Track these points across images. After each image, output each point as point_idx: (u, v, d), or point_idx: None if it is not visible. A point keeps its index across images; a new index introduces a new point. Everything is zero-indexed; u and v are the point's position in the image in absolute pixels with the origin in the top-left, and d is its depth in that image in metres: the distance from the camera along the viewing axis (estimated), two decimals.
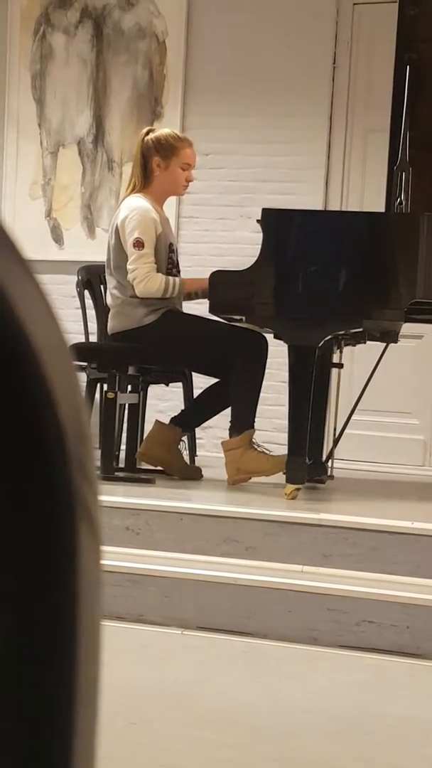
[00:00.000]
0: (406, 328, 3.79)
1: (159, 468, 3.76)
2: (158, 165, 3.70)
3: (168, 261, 3.71)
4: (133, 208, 3.64)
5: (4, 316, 0.35)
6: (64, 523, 0.33)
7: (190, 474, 3.77)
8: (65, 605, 0.34)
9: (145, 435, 3.84)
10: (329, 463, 3.90)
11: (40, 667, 0.33)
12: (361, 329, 3.43)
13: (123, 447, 3.88)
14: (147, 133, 3.76)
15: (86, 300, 4.22)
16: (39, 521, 0.33)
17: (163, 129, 3.88)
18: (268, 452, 3.55)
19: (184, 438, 3.88)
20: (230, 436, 3.58)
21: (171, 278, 3.63)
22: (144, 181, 3.71)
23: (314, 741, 2.01)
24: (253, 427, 3.57)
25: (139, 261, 3.60)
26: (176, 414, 3.87)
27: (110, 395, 3.59)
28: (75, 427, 0.35)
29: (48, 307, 0.40)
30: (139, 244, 3.59)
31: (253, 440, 3.56)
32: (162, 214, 3.75)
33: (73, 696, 0.34)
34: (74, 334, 4.07)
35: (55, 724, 0.34)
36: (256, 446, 3.55)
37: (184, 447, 3.91)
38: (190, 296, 3.68)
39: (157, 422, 3.77)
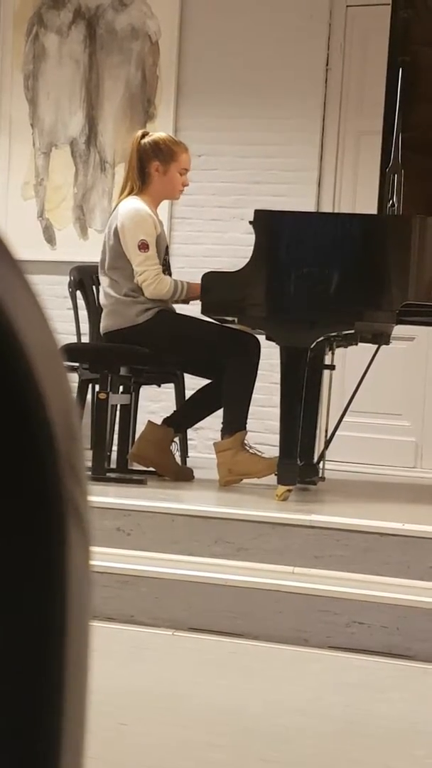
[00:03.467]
0: (398, 330, 3.80)
1: (151, 469, 3.75)
2: (157, 169, 3.70)
3: (163, 263, 3.73)
4: (134, 210, 3.64)
5: None
6: (53, 523, 0.33)
7: (182, 475, 3.77)
8: (54, 605, 0.34)
9: (137, 436, 3.84)
10: (321, 465, 3.90)
11: (29, 668, 0.33)
12: (353, 331, 3.43)
13: (114, 448, 3.87)
14: (143, 136, 3.76)
15: (78, 300, 4.21)
16: (28, 521, 0.33)
17: (159, 132, 3.88)
18: (260, 454, 3.55)
19: (176, 439, 3.88)
20: (222, 437, 3.58)
21: (179, 281, 3.65)
22: (141, 184, 3.71)
23: (305, 742, 2.01)
24: (245, 428, 3.57)
25: (146, 263, 3.61)
26: (168, 415, 3.87)
27: (102, 396, 3.59)
28: (65, 427, 0.35)
29: (39, 308, 0.40)
30: (144, 246, 3.60)
31: (245, 441, 3.56)
32: (157, 216, 3.76)
33: (61, 696, 0.34)
34: (66, 335, 4.06)
35: (43, 724, 0.34)
36: (248, 447, 3.55)
37: (176, 448, 3.91)
38: (186, 301, 3.69)
39: (150, 423, 3.77)
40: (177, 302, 3.71)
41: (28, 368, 0.35)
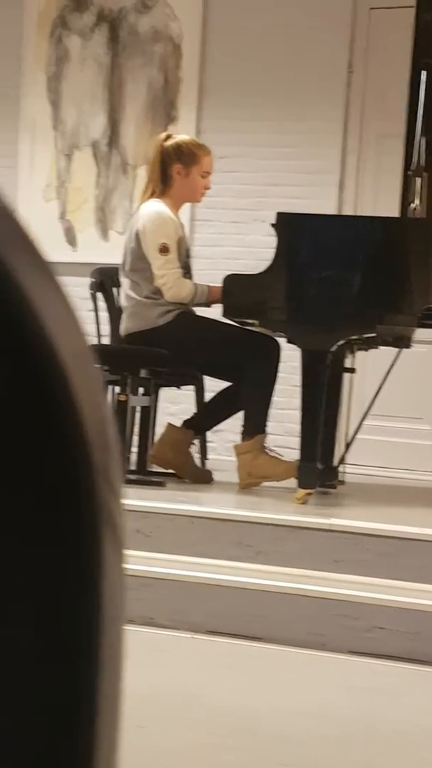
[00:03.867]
0: (420, 333, 3.78)
1: (170, 471, 3.76)
2: (179, 172, 3.70)
3: (184, 266, 3.73)
4: (155, 213, 3.65)
5: (29, 324, 0.35)
6: (88, 533, 0.33)
7: (202, 477, 3.77)
8: (89, 612, 0.34)
9: (157, 438, 3.84)
10: (341, 468, 3.89)
11: (65, 672, 0.34)
12: (374, 334, 3.42)
13: (134, 449, 3.88)
14: (166, 139, 3.76)
15: (99, 302, 4.22)
16: (64, 532, 0.33)
17: (182, 135, 3.89)
18: (279, 457, 3.54)
19: (195, 441, 3.88)
20: (242, 439, 3.58)
21: (200, 285, 3.65)
22: (163, 187, 3.72)
23: (321, 746, 2.01)
24: (265, 431, 3.57)
25: (166, 266, 3.61)
26: (188, 417, 3.87)
27: (122, 398, 3.60)
28: (99, 437, 0.35)
29: (72, 314, 0.40)
30: (165, 249, 3.60)
31: (265, 444, 3.55)
32: (179, 219, 3.76)
33: (96, 701, 0.34)
34: (87, 336, 4.06)
35: (79, 729, 0.34)
36: (268, 450, 3.55)
37: (195, 450, 3.91)
38: (208, 304, 3.68)
39: (169, 425, 3.77)
40: (198, 306, 3.71)
41: (61, 375, 0.35)
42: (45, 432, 0.34)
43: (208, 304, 3.69)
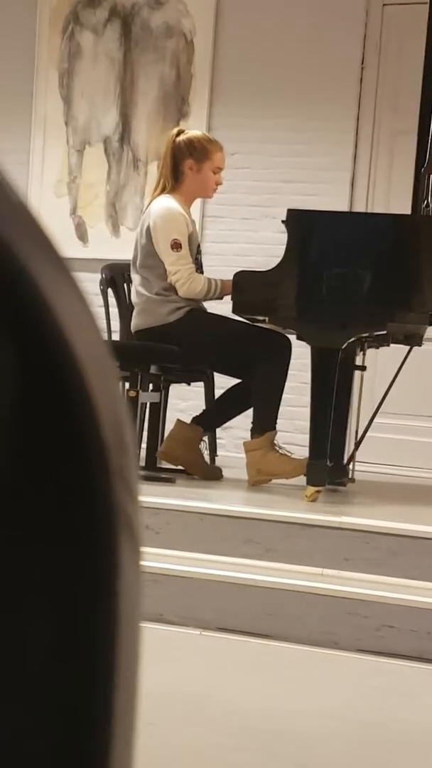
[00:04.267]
0: (431, 331, 3.77)
1: (180, 467, 3.76)
2: (191, 168, 3.69)
3: (194, 261, 3.72)
4: (166, 209, 3.64)
5: (44, 322, 0.35)
6: (105, 534, 0.33)
7: (211, 474, 3.77)
8: (105, 611, 0.34)
9: (166, 434, 3.84)
10: (350, 466, 3.89)
11: (81, 671, 0.33)
12: (385, 332, 3.41)
13: (143, 446, 3.88)
14: (178, 134, 3.75)
15: (109, 298, 4.23)
16: (80, 533, 0.33)
17: (194, 131, 3.88)
18: (289, 454, 3.54)
19: (205, 438, 3.88)
20: (252, 437, 3.58)
21: (213, 280, 3.64)
22: (174, 182, 3.71)
23: (332, 746, 2.00)
24: (275, 428, 3.56)
25: (179, 263, 3.61)
26: (198, 414, 3.87)
27: (132, 394, 3.60)
28: (116, 437, 0.34)
29: (88, 312, 0.40)
30: (177, 245, 3.60)
31: (275, 441, 3.55)
32: (190, 215, 3.76)
33: (112, 700, 0.34)
34: None
35: (96, 726, 0.34)
36: (277, 448, 3.54)
37: (204, 447, 3.91)
38: (220, 297, 3.68)
39: (179, 422, 3.77)
40: (212, 299, 3.70)
41: (78, 375, 0.35)
42: (60, 431, 0.34)
43: (221, 297, 3.68)
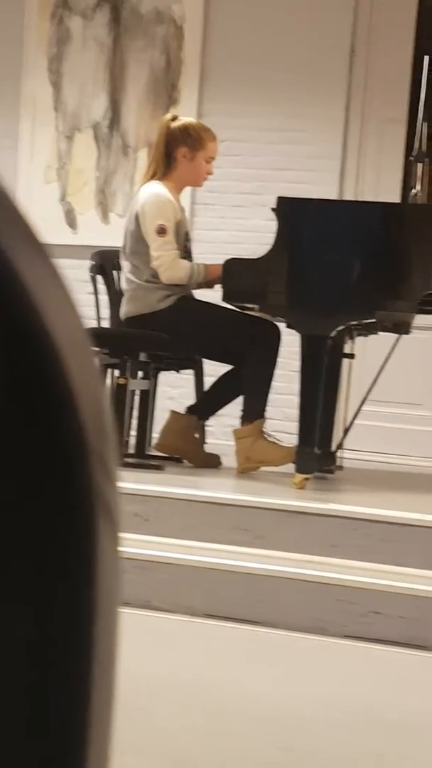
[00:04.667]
0: (419, 319, 3.78)
1: (175, 456, 3.76)
2: (184, 155, 3.67)
3: (183, 249, 3.71)
4: (154, 195, 3.63)
5: (23, 307, 0.35)
6: (83, 518, 0.33)
7: (209, 462, 3.77)
8: (83, 597, 0.34)
9: (155, 422, 3.84)
10: (339, 454, 3.90)
11: (59, 654, 0.34)
12: (373, 320, 3.42)
13: (133, 433, 3.88)
14: (172, 120, 3.73)
15: (99, 285, 4.21)
16: (58, 517, 0.33)
17: (188, 118, 3.85)
18: (278, 442, 3.55)
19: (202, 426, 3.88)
20: (241, 424, 3.58)
21: (195, 264, 3.63)
22: (165, 169, 3.69)
23: (322, 731, 2.02)
24: (264, 416, 3.57)
25: (163, 248, 3.59)
26: (191, 404, 3.88)
27: (121, 381, 3.59)
28: (95, 420, 0.35)
29: (68, 298, 0.40)
30: (162, 230, 3.58)
31: (264, 429, 3.56)
32: (179, 202, 3.74)
33: (89, 685, 0.34)
34: (86, 320, 4.05)
35: (71, 712, 0.34)
36: (266, 435, 3.55)
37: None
38: (210, 285, 3.67)
39: (173, 412, 3.77)
40: (200, 287, 3.69)
41: (57, 359, 0.35)
42: (38, 415, 0.34)
43: (209, 285, 3.67)
